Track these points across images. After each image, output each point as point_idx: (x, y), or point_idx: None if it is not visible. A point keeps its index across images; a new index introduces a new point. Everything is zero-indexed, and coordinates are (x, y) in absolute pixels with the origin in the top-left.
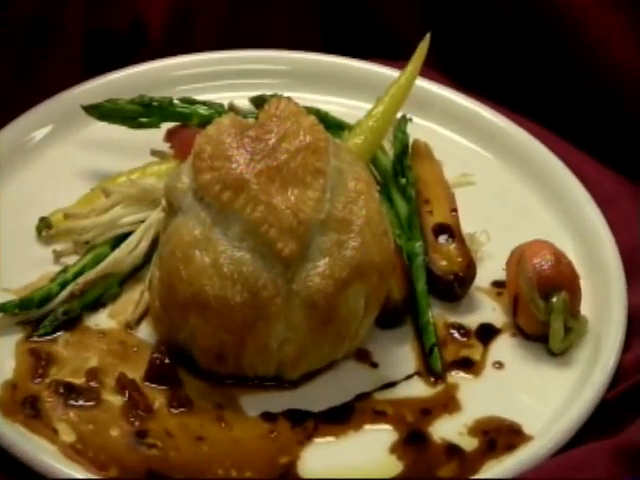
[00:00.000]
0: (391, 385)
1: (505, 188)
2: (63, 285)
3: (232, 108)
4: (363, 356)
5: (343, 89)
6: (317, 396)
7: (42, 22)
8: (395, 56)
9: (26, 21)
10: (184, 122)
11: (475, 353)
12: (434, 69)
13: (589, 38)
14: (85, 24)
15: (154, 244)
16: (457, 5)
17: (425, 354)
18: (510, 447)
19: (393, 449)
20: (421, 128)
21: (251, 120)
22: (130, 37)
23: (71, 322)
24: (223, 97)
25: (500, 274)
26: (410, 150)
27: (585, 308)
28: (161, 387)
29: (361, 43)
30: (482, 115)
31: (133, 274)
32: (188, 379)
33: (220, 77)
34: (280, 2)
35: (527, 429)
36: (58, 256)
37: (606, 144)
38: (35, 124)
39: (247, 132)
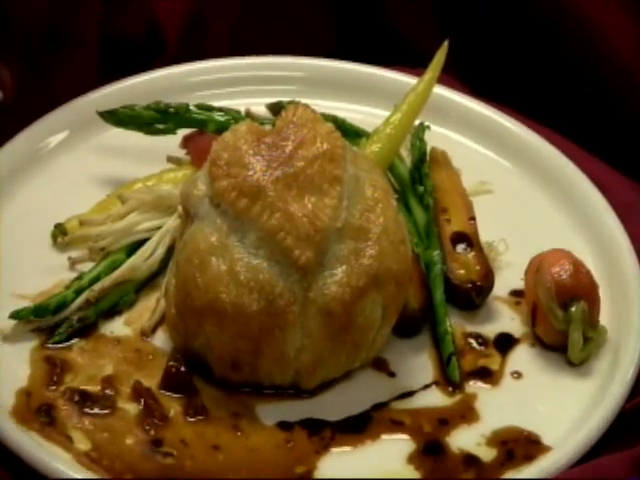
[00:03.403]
0: (409, 395)
1: (523, 196)
2: (78, 292)
3: (249, 115)
4: (380, 365)
5: (361, 96)
6: (334, 405)
7: (58, 27)
8: (413, 63)
9: (42, 26)
10: (200, 128)
11: (493, 363)
12: (452, 76)
13: (610, 44)
14: (101, 29)
15: (170, 251)
16: (474, 12)
17: (443, 363)
18: (529, 458)
19: (410, 459)
20: (439, 136)
21: (268, 127)
22: (146, 43)
23: (86, 329)
24: (240, 103)
25: (518, 283)
26: (428, 158)
27: (604, 318)
28: (176, 395)
29: (378, 51)
30: (500, 123)
31: (149, 281)
32: (204, 387)
33: (237, 83)
34: (296, 8)
35: (546, 439)
36: (73, 263)
37: (624, 152)
38: (50, 130)
39: (264, 139)
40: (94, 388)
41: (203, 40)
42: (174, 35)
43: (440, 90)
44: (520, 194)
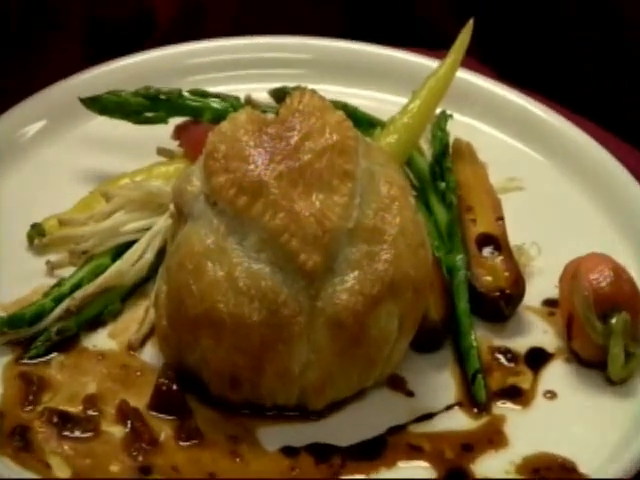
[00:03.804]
0: (429, 417)
1: (558, 194)
2: (58, 300)
3: (249, 102)
4: (397, 384)
5: (375, 81)
6: (344, 428)
7: (38, 7)
8: (434, 45)
9: (21, 6)
10: (195, 117)
11: (524, 381)
12: (477, 59)
13: None
14: (87, 8)
15: (161, 255)
16: None
17: (467, 382)
18: None
19: None
20: (463, 126)
21: (271, 115)
22: (136, 22)
23: (66, 342)
24: (239, 89)
25: (552, 292)
26: (450, 150)
27: None
28: (168, 417)
29: (395, 30)
30: (531, 111)
31: (137, 288)
32: (198, 408)
33: (236, 67)
34: None
35: (582, 467)
36: (52, 268)
37: None
38: (27, 119)
39: (266, 129)
40: (75, 408)
41: (200, 19)
42: (167, 12)
43: (464, 74)
44: (554, 191)
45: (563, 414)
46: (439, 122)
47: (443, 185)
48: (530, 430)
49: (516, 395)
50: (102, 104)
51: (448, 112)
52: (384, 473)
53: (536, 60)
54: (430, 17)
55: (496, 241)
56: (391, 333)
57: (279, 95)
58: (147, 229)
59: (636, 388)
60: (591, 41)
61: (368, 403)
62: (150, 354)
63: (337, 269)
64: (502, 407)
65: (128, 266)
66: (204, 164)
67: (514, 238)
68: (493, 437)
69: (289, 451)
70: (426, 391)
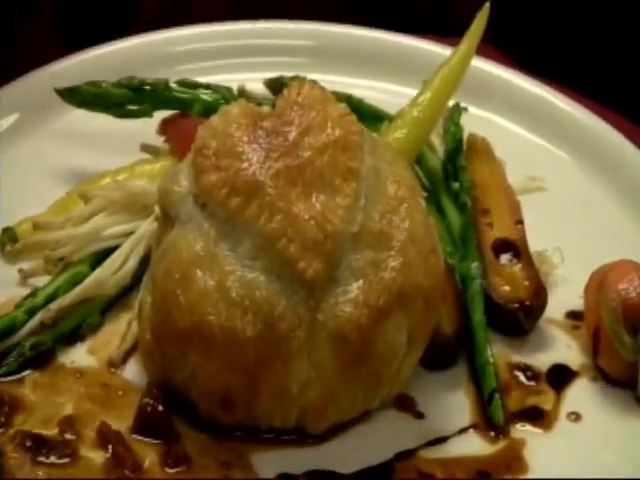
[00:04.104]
0: (440, 441)
1: (583, 195)
2: (31, 312)
3: (243, 93)
4: (405, 404)
5: (382, 71)
6: (348, 454)
7: None
8: (446, 31)
9: None
10: (183, 110)
11: (546, 401)
12: (494, 46)
13: None
14: None
15: (145, 262)
16: None
17: (483, 402)
18: None
19: None
20: (478, 119)
21: (266, 108)
22: (118, 6)
23: (41, 359)
24: (232, 79)
25: (577, 303)
26: (464, 147)
27: None
28: (153, 441)
29: (403, 15)
30: (555, 104)
31: (118, 299)
32: (187, 431)
33: (228, 54)
34: None
35: None
36: (25, 276)
37: None
38: None
39: (261, 123)
40: (51, 432)
41: (187, 2)
42: None
43: (480, 63)
44: (579, 192)
45: (588, 438)
46: (452, 116)
47: (456, 185)
48: (552, 456)
49: (537, 417)
50: (81, 96)
51: (462, 104)
52: None
53: (560, 47)
54: (442, 0)
55: (515, 247)
56: (399, 348)
57: (276, 86)
58: (130, 234)
59: None
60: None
61: (374, 426)
62: (133, 372)
63: (340, 278)
64: (521, 430)
65: (109, 275)
66: (193, 162)
67: (535, 244)
68: (511, 463)
69: (287, 479)
70: (437, 412)
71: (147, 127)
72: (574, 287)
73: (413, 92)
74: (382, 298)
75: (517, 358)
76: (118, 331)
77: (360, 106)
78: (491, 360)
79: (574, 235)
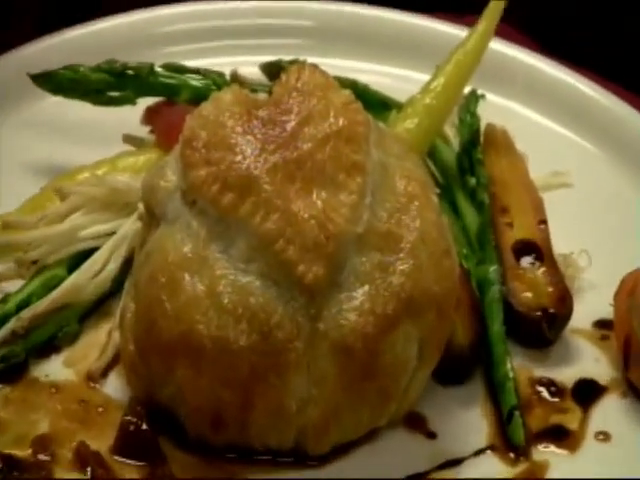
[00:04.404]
0: (455, 463)
1: (613, 192)
2: (2, 321)
3: (236, 78)
4: (416, 423)
5: (389, 53)
6: (352, 477)
7: None
8: (462, 10)
9: None
10: (169, 97)
11: (571, 420)
12: (514, 27)
13: None
14: None
15: (127, 265)
16: None
17: (502, 421)
18: None
19: None
20: (497, 108)
21: (262, 95)
22: None
23: (13, 372)
24: (223, 63)
25: (606, 311)
26: (482, 139)
27: None
28: (136, 462)
29: None
30: (582, 91)
31: (98, 306)
32: (173, 452)
33: (220, 36)
34: None
35: None
36: None
37: None
38: None
39: (256, 112)
40: (23, 452)
41: None
42: None
43: (499, 46)
44: (609, 189)
45: (618, 460)
46: (468, 104)
47: (473, 181)
48: (579, 478)
49: (561, 437)
50: (56, 81)
51: (479, 91)
52: None
53: (589, 28)
54: None
55: (537, 249)
56: (409, 361)
57: (272, 70)
58: (111, 234)
59: None
60: None
61: (381, 446)
62: (114, 386)
63: (343, 283)
64: (544, 452)
65: (87, 279)
66: (181, 154)
67: (559, 245)
68: None
69: None
70: (451, 432)
71: (130, 116)
72: (603, 293)
73: (425, 77)
74: (390, 305)
75: (539, 372)
76: (98, 342)
77: (366, 93)
78: (511, 374)
79: (603, 236)
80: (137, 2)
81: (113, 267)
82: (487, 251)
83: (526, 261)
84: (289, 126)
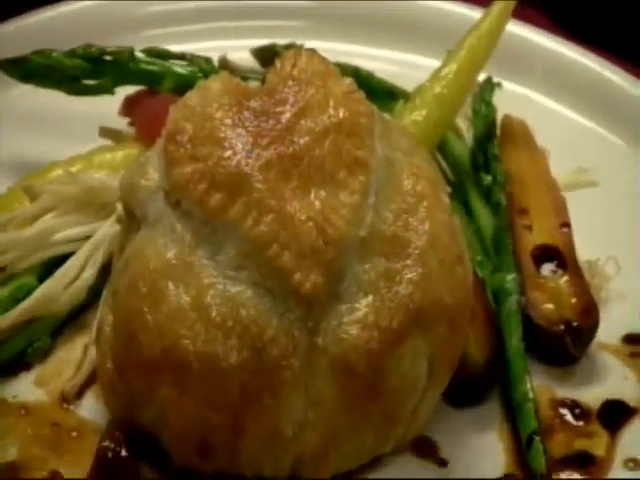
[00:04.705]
0: None
1: None
2: None
3: (225, 64)
4: (425, 449)
5: (396, 37)
6: None
7: None
8: None
9: None
10: (151, 86)
11: (597, 445)
12: (535, 8)
13: None
14: None
15: (105, 273)
16: None
17: (520, 446)
18: None
19: None
20: (516, 98)
21: (254, 84)
22: None
23: None
24: (211, 47)
25: (636, 324)
26: (498, 132)
27: None
28: None
29: None
30: (609, 80)
31: (72, 319)
32: None
33: (207, 17)
34: None
35: None
36: None
37: None
38: None
39: (248, 102)
40: None
41: None
42: None
43: (516, 28)
44: (638, 188)
45: None
46: (483, 93)
47: (488, 179)
48: None
49: (587, 464)
50: (26, 68)
51: (495, 79)
52: None
53: (617, 13)
54: None
55: (560, 255)
56: (417, 380)
57: (265, 56)
58: (86, 238)
59: None
60: None
61: (387, 474)
62: (90, 408)
63: (344, 293)
64: None
65: (60, 288)
66: (164, 150)
67: (584, 251)
68: None
69: None
70: (464, 459)
71: (107, 106)
72: (632, 304)
73: (435, 64)
74: (396, 318)
75: (562, 392)
76: (72, 358)
77: (369, 81)
78: (530, 395)
79: (632, 240)
80: None
81: (89, 275)
82: (504, 257)
83: (547, 269)
84: (284, 118)
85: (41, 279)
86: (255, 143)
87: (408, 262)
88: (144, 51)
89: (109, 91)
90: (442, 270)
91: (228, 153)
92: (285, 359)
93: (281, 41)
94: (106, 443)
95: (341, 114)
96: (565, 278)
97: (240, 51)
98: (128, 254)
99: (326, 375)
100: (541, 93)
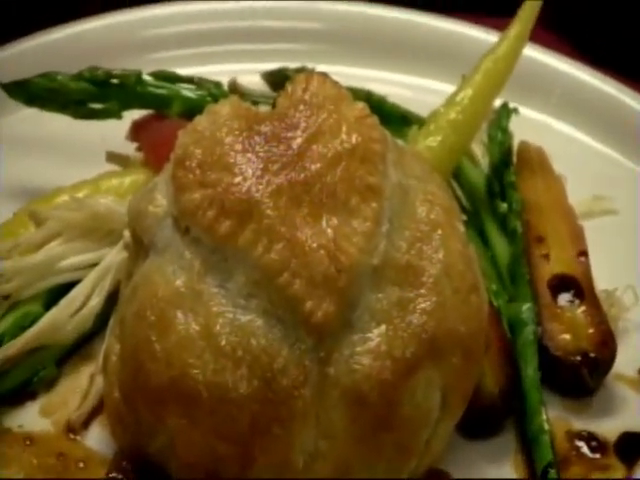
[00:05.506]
0: None
1: None
2: None
3: (235, 88)
4: None
5: (409, 61)
6: None
7: None
8: (492, 11)
9: None
10: (159, 110)
11: (614, 477)
12: (554, 32)
13: None
14: None
15: (112, 301)
16: None
17: (535, 479)
18: None
19: None
20: (532, 124)
21: (265, 108)
22: None
23: None
24: (221, 71)
25: None
26: (514, 158)
27: None
28: None
29: None
30: (627, 105)
31: (78, 348)
32: None
33: (217, 40)
34: None
35: None
36: None
37: None
38: None
39: (258, 127)
40: None
41: None
42: None
43: (534, 53)
44: None
45: None
46: (499, 119)
47: (504, 206)
48: None
49: None
50: (31, 91)
51: (511, 105)
52: None
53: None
54: None
55: (577, 285)
56: (431, 412)
57: (276, 80)
58: (93, 265)
59: None
60: None
61: None
62: (97, 438)
63: (357, 322)
64: None
65: (66, 317)
66: (172, 175)
67: (602, 281)
68: None
69: None
70: None
71: (114, 131)
72: None
73: (450, 89)
74: (410, 348)
75: (579, 425)
76: (78, 387)
77: (382, 106)
78: (546, 427)
79: None
80: (123, 1)
81: (95, 303)
82: (520, 287)
83: (564, 298)
84: (295, 143)
85: (47, 307)
86: (265, 169)
87: (422, 291)
88: (152, 74)
89: (116, 115)
90: (456, 299)
91: (238, 179)
92: (296, 389)
93: (292, 65)
94: (113, 474)
95: (354, 139)
96: (582, 308)
97: (250, 75)
98: (136, 282)
99: (338, 406)
100: (558, 119)
